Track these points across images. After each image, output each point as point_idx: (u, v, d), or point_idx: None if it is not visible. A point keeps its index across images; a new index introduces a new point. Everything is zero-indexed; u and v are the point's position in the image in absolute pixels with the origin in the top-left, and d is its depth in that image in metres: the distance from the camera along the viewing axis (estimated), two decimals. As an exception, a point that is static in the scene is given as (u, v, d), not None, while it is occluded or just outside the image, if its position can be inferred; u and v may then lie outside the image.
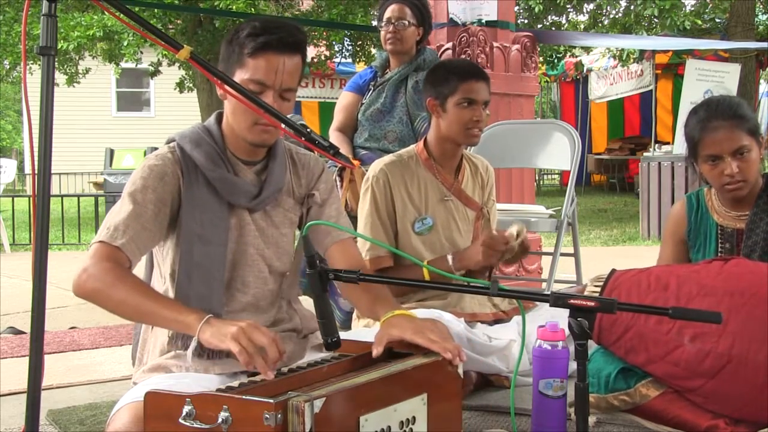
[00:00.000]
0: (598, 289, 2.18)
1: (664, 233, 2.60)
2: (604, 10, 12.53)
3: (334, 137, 3.76)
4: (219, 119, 1.98)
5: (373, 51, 11.84)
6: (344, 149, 3.65)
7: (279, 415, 1.39)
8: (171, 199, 1.89)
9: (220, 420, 1.42)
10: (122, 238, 1.79)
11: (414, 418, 1.63)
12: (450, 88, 2.71)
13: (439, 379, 1.73)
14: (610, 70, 13.98)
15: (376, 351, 1.77)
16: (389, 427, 1.57)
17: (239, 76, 1.86)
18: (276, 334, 1.68)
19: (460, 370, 1.79)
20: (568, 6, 12.16)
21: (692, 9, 11.43)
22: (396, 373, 1.64)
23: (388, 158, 2.82)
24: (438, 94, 2.74)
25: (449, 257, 2.69)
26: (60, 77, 12.55)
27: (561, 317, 1.76)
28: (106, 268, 1.75)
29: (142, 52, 12.08)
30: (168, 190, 1.88)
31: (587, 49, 14.12)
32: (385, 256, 2.70)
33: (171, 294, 1.92)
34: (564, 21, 13.45)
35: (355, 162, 3.50)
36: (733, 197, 2.38)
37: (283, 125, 1.82)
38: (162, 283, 1.97)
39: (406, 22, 3.62)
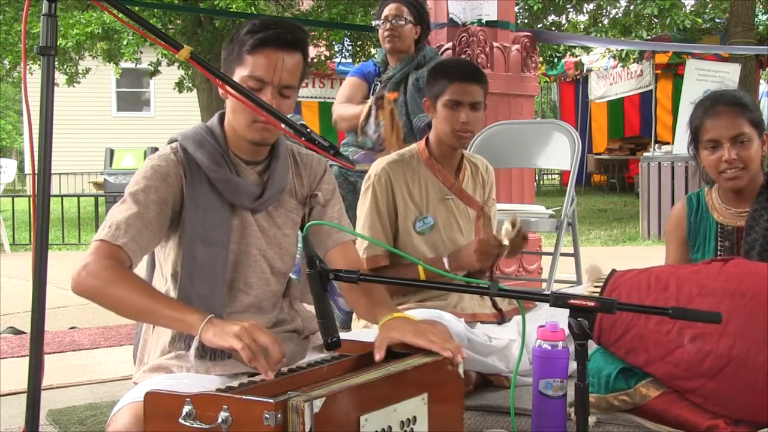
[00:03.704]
0: (598, 290, 2.19)
1: (666, 235, 2.60)
2: (604, 10, 12.53)
3: (341, 108, 3.72)
4: (222, 119, 1.98)
5: (373, 51, 11.85)
6: (352, 107, 3.62)
7: (279, 415, 1.38)
8: (173, 200, 1.88)
9: (220, 420, 1.42)
10: (124, 237, 1.77)
11: (414, 418, 1.63)
12: (439, 88, 2.72)
13: (440, 378, 1.73)
14: (610, 70, 13.98)
15: (379, 355, 1.77)
16: (390, 427, 1.57)
17: (239, 74, 1.86)
18: (277, 337, 1.68)
19: (461, 370, 1.79)
20: (568, 6, 12.16)
21: (692, 9, 11.43)
22: (396, 372, 1.63)
23: (389, 157, 2.82)
24: (431, 93, 2.75)
25: (445, 260, 2.69)
26: (60, 77, 12.56)
27: (561, 317, 1.76)
28: (107, 266, 1.73)
29: (141, 52, 12.08)
30: (170, 191, 1.87)
31: (587, 49, 14.12)
32: (381, 255, 2.70)
33: (173, 294, 1.92)
34: (564, 21, 13.45)
35: (391, 95, 3.46)
36: (732, 187, 2.37)
37: (282, 125, 1.82)
38: (163, 283, 1.97)
39: (404, 20, 3.65)
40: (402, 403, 1.61)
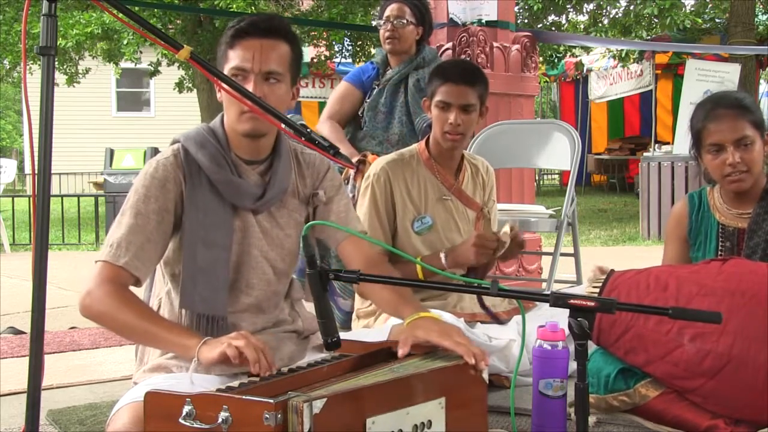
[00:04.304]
0: (597, 290, 2.18)
1: (667, 233, 2.59)
2: (604, 10, 12.53)
3: (327, 126, 3.69)
4: (223, 119, 1.98)
5: (373, 51, 11.84)
6: (335, 137, 3.60)
7: (279, 415, 1.38)
8: (174, 206, 1.88)
9: (220, 420, 1.42)
10: (125, 257, 1.79)
11: (429, 422, 1.61)
12: (433, 88, 2.73)
13: (461, 383, 1.71)
14: (610, 70, 13.98)
15: (402, 351, 1.77)
16: (401, 431, 1.55)
17: (225, 71, 1.87)
18: (265, 345, 1.69)
19: (485, 375, 1.77)
20: (568, 6, 12.16)
21: (692, 9, 11.43)
22: (409, 375, 1.62)
23: (389, 157, 2.83)
24: (428, 93, 2.76)
25: (442, 255, 2.69)
26: (60, 77, 12.56)
27: (561, 317, 1.76)
28: (109, 292, 1.76)
29: (141, 52, 12.08)
30: (170, 198, 1.87)
31: (587, 49, 14.13)
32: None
33: (173, 294, 1.93)
34: (564, 21, 13.45)
35: (373, 157, 3.45)
36: (736, 189, 2.37)
37: (283, 125, 1.82)
38: (164, 283, 1.97)
39: (405, 21, 3.62)
40: (416, 406, 1.58)
